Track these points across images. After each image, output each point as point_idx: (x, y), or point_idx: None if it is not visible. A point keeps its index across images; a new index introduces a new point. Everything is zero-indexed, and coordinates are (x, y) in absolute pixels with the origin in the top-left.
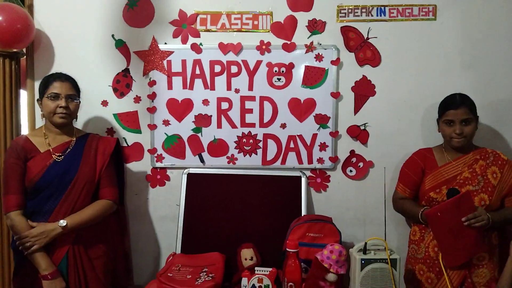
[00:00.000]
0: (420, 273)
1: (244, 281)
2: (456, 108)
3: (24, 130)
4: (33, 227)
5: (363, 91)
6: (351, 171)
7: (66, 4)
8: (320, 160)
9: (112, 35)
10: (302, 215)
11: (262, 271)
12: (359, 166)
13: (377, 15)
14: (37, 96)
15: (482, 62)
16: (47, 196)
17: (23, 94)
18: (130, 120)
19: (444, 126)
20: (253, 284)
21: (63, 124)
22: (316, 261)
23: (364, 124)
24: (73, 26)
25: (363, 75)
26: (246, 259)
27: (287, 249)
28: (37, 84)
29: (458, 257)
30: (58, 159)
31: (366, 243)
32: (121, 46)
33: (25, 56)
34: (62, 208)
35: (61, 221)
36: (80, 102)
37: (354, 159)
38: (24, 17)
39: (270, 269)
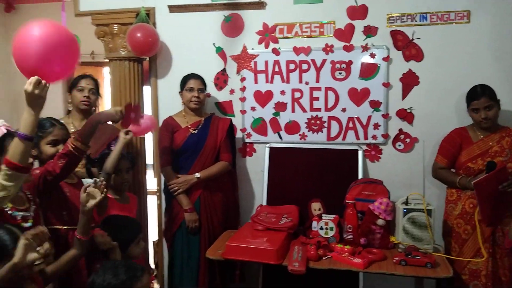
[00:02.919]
0: (458, 226)
1: (314, 223)
2: (478, 99)
3: None
4: (178, 177)
5: (409, 81)
6: (399, 145)
7: (180, 21)
8: (374, 137)
9: (213, 43)
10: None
11: (328, 217)
12: (406, 141)
13: (420, 21)
14: (161, 90)
15: (508, 56)
16: (187, 157)
17: (146, 89)
18: (226, 107)
19: (472, 113)
20: (321, 226)
21: (196, 108)
22: (369, 210)
23: (410, 107)
24: (185, 37)
25: (409, 69)
26: (315, 210)
27: (347, 201)
28: (160, 82)
29: (497, 218)
30: (193, 132)
31: (407, 197)
32: (220, 51)
33: (146, 60)
34: (196, 166)
35: (196, 174)
36: (207, 93)
37: (402, 136)
38: (154, 33)
39: (334, 216)
